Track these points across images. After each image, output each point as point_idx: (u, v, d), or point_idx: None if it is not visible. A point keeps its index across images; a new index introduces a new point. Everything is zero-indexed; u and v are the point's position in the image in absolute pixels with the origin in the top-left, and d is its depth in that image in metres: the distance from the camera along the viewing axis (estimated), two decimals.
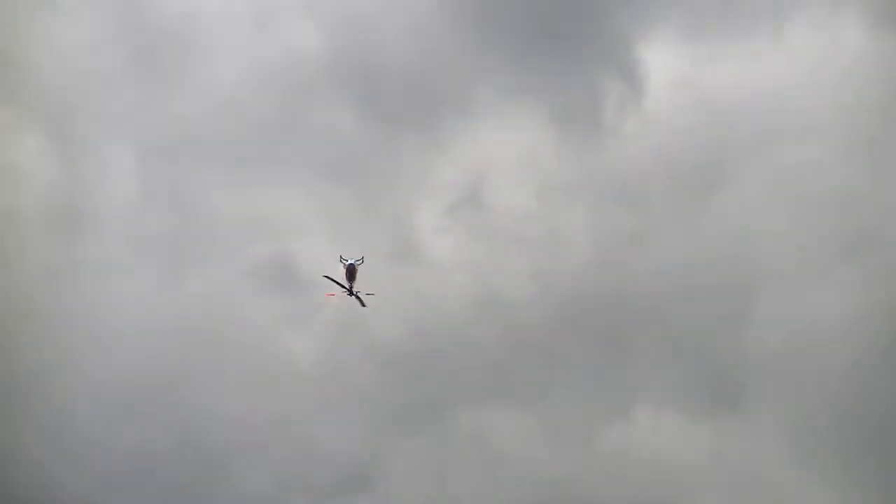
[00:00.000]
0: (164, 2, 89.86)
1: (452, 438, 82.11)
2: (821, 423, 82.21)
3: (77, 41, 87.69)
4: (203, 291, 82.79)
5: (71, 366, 79.30)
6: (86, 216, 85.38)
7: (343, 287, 70.24)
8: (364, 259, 70.13)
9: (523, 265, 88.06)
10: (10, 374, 78.13)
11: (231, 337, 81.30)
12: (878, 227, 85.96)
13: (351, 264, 69.74)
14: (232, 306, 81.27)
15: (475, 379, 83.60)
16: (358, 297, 70.23)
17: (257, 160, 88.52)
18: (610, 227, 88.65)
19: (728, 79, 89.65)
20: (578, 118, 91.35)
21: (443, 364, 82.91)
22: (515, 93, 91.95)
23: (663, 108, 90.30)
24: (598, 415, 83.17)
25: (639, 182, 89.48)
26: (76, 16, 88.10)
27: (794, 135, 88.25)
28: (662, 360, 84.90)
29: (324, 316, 76.81)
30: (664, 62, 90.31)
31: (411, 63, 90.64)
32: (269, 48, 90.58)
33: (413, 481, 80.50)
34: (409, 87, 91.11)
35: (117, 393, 79.36)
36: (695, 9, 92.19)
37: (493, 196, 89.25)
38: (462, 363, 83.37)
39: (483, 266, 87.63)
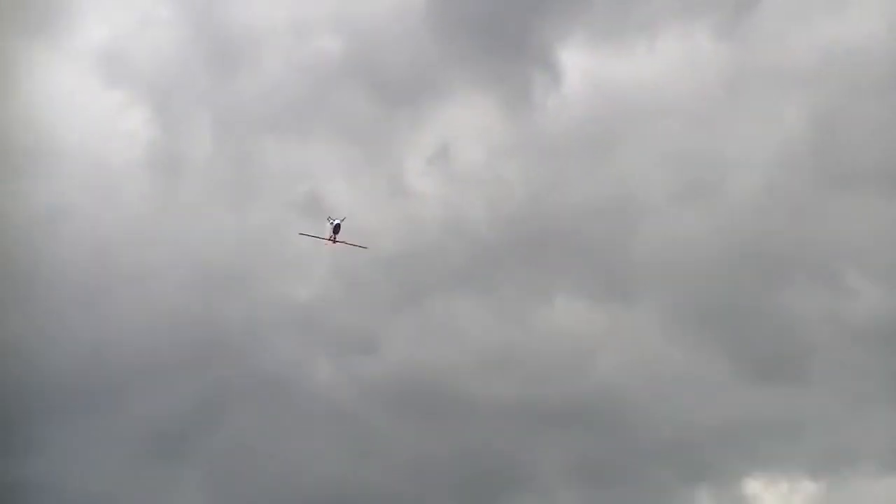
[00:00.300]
0: (232, 15, 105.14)
1: (430, 317, 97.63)
2: (686, 308, 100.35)
3: (170, 42, 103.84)
4: (257, 219, 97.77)
5: (165, 264, 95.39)
6: (176, 166, 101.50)
7: (323, 238, 78.60)
8: (346, 218, 78.23)
9: (478, 200, 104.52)
10: (119, 276, 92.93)
11: (278, 250, 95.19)
12: (721, 176, 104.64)
13: (337, 223, 78.10)
14: (278, 229, 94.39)
15: (445, 276, 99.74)
16: (351, 244, 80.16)
17: (296, 127, 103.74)
18: (538, 175, 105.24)
19: (620, 73, 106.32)
20: (516, 99, 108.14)
21: (423, 266, 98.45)
22: (472, 82, 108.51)
23: (576, 92, 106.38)
24: (530, 302, 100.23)
25: (558, 144, 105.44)
26: (170, 24, 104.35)
27: (663, 112, 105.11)
28: (575, 265, 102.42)
29: (341, 236, 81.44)
30: (576, 61, 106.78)
31: (403, 61, 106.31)
32: (304, 48, 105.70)
33: (403, 346, 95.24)
34: (401, 78, 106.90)
35: (199, 283, 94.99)
36: (597, 25, 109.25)
37: (458, 152, 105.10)
38: (436, 265, 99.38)
39: (451, 200, 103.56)
